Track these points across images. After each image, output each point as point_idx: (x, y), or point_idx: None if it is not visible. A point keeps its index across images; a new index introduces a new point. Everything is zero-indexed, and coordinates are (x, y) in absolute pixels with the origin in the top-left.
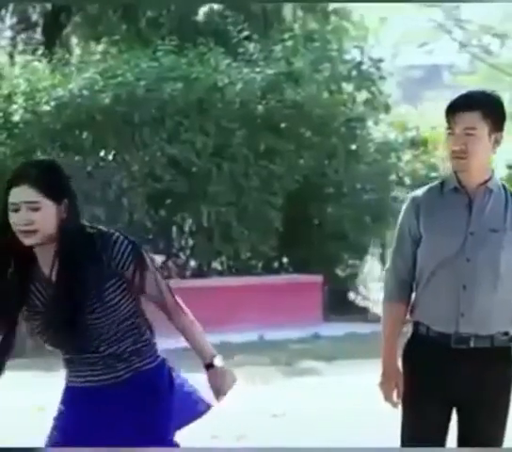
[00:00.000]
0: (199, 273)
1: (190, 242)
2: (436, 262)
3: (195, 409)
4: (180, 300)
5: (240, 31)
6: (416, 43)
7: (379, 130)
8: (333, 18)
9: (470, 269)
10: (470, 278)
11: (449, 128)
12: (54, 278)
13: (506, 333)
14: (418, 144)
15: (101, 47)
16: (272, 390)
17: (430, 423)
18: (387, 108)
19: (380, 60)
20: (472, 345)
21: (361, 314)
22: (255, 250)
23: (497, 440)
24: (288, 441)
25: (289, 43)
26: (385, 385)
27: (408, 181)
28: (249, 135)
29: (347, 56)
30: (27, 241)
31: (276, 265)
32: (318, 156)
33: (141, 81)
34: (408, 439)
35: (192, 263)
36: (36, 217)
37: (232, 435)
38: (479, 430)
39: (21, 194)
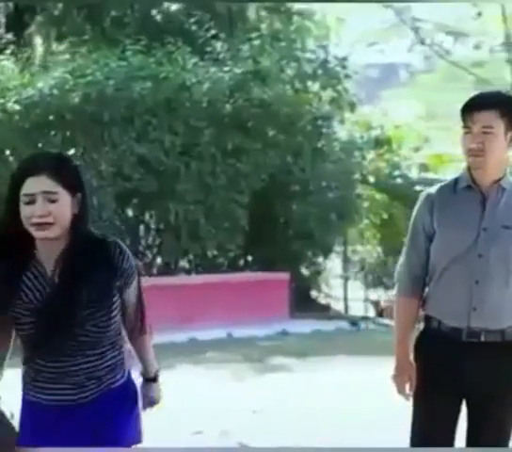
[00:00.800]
0: (166, 271)
1: (157, 240)
2: (449, 257)
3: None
4: (146, 316)
5: (207, 30)
6: (372, 43)
7: (344, 129)
8: (296, 18)
9: (482, 265)
10: (482, 273)
11: (466, 127)
12: (56, 277)
13: None
14: (382, 143)
15: (68, 47)
16: (247, 386)
17: (441, 415)
18: (352, 107)
19: (345, 59)
20: (482, 339)
21: (324, 311)
22: (222, 248)
23: (506, 432)
24: (271, 436)
25: (256, 43)
26: (398, 378)
27: (371, 179)
28: (217, 134)
29: (312, 56)
30: (41, 234)
31: (242, 263)
32: (284, 155)
33: (110, 80)
34: (418, 431)
35: (159, 261)
36: (53, 208)
37: (214, 431)
38: (488, 423)
39: (39, 184)
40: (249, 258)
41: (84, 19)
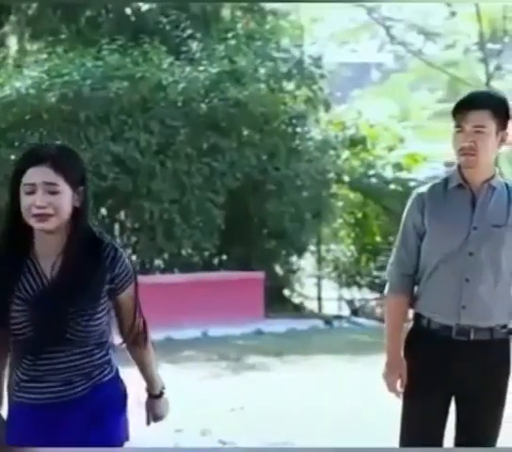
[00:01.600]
0: (141, 270)
1: (132, 239)
2: (439, 256)
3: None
4: (148, 330)
5: (183, 30)
6: (344, 42)
7: (319, 128)
8: (270, 18)
9: (472, 263)
10: (472, 271)
11: (458, 126)
12: (53, 273)
13: (505, 326)
14: (356, 142)
15: (43, 46)
16: (225, 385)
17: (430, 412)
18: (327, 106)
19: (320, 58)
20: (472, 337)
21: (297, 310)
22: (197, 247)
23: (494, 429)
24: (251, 434)
25: (231, 42)
26: (389, 375)
27: (346, 178)
28: (193, 133)
29: (287, 55)
30: (40, 225)
31: (217, 262)
32: (260, 154)
33: (87, 80)
34: (408, 428)
35: (134, 260)
36: (53, 200)
37: (195, 429)
38: (477, 420)
39: (40, 174)
40: (224, 257)
41: (59, 19)
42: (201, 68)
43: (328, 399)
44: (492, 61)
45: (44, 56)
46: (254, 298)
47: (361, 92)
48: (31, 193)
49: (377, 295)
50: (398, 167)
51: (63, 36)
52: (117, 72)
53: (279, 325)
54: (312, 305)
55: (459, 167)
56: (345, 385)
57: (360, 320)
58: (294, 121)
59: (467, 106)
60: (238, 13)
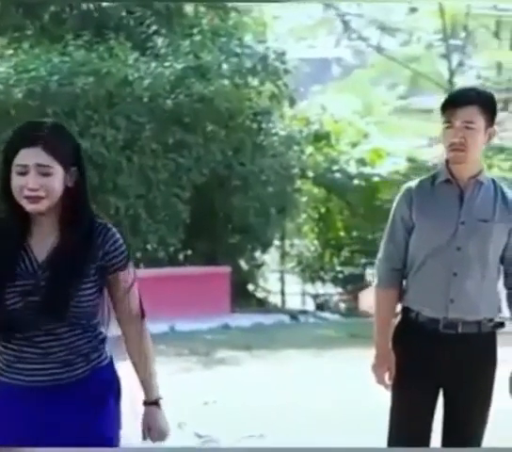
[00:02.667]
0: None
1: None
2: (428, 250)
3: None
4: (146, 323)
5: (148, 26)
6: (304, 38)
7: (283, 123)
8: (233, 14)
9: (460, 258)
10: (460, 266)
11: (447, 122)
12: (48, 250)
13: (491, 320)
14: (320, 138)
15: (8, 42)
16: (196, 379)
17: (418, 404)
18: (292, 102)
19: (284, 54)
20: (459, 330)
21: (261, 305)
22: (163, 242)
23: (481, 421)
24: (225, 428)
25: (196, 38)
26: (378, 368)
27: (310, 174)
28: (158, 128)
29: (250, 51)
30: (32, 207)
31: (182, 257)
32: (225, 150)
33: (54, 76)
34: (396, 420)
35: None
36: (45, 182)
37: (171, 423)
38: (464, 412)
39: (33, 156)
40: (189, 252)
41: (22, 15)
42: (167, 63)
43: (300, 393)
44: (455, 57)
45: (10, 51)
46: (220, 292)
47: (322, 88)
48: (23, 174)
49: (341, 290)
50: (362, 162)
51: (28, 32)
52: (83, 68)
53: (245, 319)
54: (275, 300)
55: (447, 162)
56: (315, 379)
57: (325, 315)
58: (258, 116)
59: (456, 103)
60: (202, 9)
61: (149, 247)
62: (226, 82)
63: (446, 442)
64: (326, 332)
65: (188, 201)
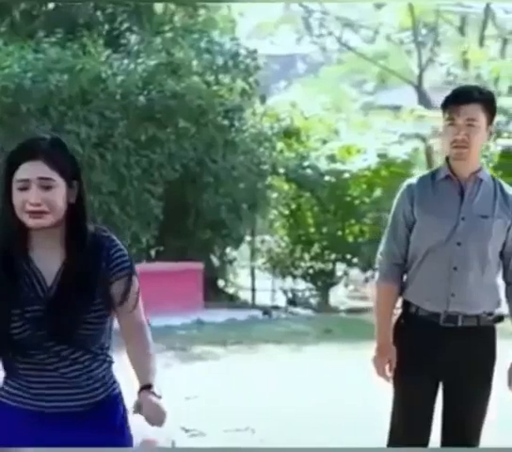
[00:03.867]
0: None
1: None
2: (429, 245)
3: None
4: (145, 320)
5: (121, 23)
6: (269, 35)
7: (253, 120)
8: (202, 11)
9: (460, 253)
10: (460, 261)
11: (450, 119)
12: (55, 271)
13: (491, 314)
14: (291, 134)
15: None
16: (176, 374)
17: (419, 396)
18: (263, 99)
19: (255, 51)
20: (459, 323)
21: (231, 300)
22: (135, 238)
23: (480, 413)
24: (209, 422)
25: (168, 35)
26: (378, 360)
27: (281, 170)
28: (131, 125)
29: (221, 48)
30: (35, 222)
31: (154, 252)
32: (197, 146)
33: (28, 73)
34: (397, 412)
35: None
36: (48, 196)
37: None
38: (463, 404)
39: (34, 170)
40: (162, 248)
41: None
42: (140, 60)
43: (282, 388)
44: (424, 54)
45: None
46: (194, 288)
47: (290, 84)
48: (24, 189)
49: (311, 285)
50: (332, 158)
51: (2, 29)
52: (57, 65)
53: (218, 315)
54: (245, 295)
55: (447, 159)
56: (295, 374)
57: (297, 310)
58: (230, 113)
59: (459, 100)
60: (171, 7)
61: (123, 242)
62: (197, 79)
63: (446, 434)
64: (300, 328)
65: (161, 198)
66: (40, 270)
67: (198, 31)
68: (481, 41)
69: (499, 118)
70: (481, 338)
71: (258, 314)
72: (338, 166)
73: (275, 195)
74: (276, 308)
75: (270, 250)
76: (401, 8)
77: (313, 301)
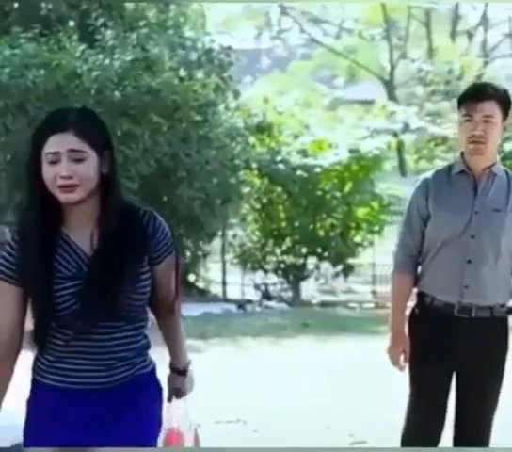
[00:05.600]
0: None
1: None
2: (443, 238)
3: None
4: (180, 299)
5: (96, 19)
6: (235, 29)
7: (227, 115)
8: (173, 6)
9: (474, 246)
10: (474, 253)
11: (467, 115)
12: (91, 244)
13: (503, 305)
14: (263, 129)
15: None
16: (158, 367)
17: (433, 386)
18: (236, 94)
19: (230, 47)
20: (473, 314)
21: (202, 295)
22: None
23: (492, 402)
24: (203, 414)
25: (143, 31)
26: (393, 350)
27: (254, 165)
28: (106, 120)
29: (195, 44)
30: (67, 197)
31: None
32: (172, 141)
33: (5, 68)
34: (413, 399)
35: None
36: (79, 169)
37: None
38: (476, 394)
39: (64, 142)
40: None
41: None
42: (115, 56)
43: (265, 380)
44: (395, 49)
45: None
46: None
47: (256, 79)
48: (55, 162)
49: (283, 279)
50: (303, 153)
51: None
52: (34, 61)
53: (192, 309)
54: (216, 290)
55: (462, 153)
56: (277, 366)
57: (271, 304)
58: (203, 108)
59: (477, 97)
60: (143, 3)
61: None
62: (172, 74)
63: (459, 424)
64: (277, 321)
65: (136, 192)
66: (77, 244)
67: (172, 26)
68: (452, 37)
69: None
70: (494, 329)
71: (232, 307)
72: (309, 160)
73: (247, 189)
74: (249, 302)
75: (242, 245)
76: (377, 4)
77: (285, 295)
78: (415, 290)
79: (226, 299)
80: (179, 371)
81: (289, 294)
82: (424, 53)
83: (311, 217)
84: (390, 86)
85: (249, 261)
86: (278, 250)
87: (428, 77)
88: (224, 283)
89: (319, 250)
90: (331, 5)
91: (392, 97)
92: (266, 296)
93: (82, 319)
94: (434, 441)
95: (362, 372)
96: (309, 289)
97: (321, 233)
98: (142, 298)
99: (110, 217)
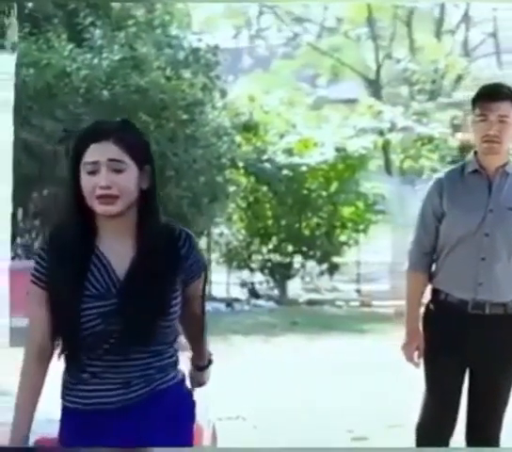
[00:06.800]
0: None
1: (36, 223)
2: (457, 236)
3: None
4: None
5: (84, 18)
6: (217, 28)
7: (213, 114)
8: (159, 5)
9: (488, 243)
10: (488, 251)
11: (481, 115)
12: (125, 263)
13: None
14: (250, 128)
15: None
16: None
17: (447, 380)
18: (223, 93)
19: (217, 47)
20: (487, 311)
21: None
22: None
23: (504, 397)
24: (200, 410)
25: (132, 30)
26: (407, 347)
27: (240, 163)
28: (95, 119)
29: (181, 43)
30: (105, 209)
31: None
32: (159, 140)
33: None
34: (428, 393)
35: (36, 245)
36: (119, 179)
37: None
38: (488, 389)
39: (104, 151)
40: None
41: None
42: (104, 55)
43: (260, 378)
44: (381, 48)
45: None
46: None
47: (237, 78)
48: (94, 173)
49: (269, 278)
50: (289, 152)
51: None
52: (23, 59)
53: None
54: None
55: (475, 153)
56: (268, 364)
57: (259, 302)
58: (191, 107)
59: (491, 97)
60: (130, 3)
61: None
62: (160, 73)
63: (471, 418)
64: (266, 319)
65: None
66: (109, 263)
67: (159, 25)
68: (438, 36)
69: (455, 112)
70: (508, 325)
71: (220, 306)
72: (295, 159)
73: (233, 188)
74: (236, 300)
75: (228, 243)
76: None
77: (274, 294)
78: (429, 287)
79: (212, 298)
80: (201, 367)
81: (275, 292)
82: (409, 52)
83: (296, 215)
84: (376, 85)
85: (235, 259)
86: (264, 249)
87: (414, 77)
88: (210, 282)
89: (305, 248)
90: (314, 4)
91: (377, 96)
92: (254, 294)
93: (104, 342)
94: (447, 435)
95: (354, 370)
96: (293, 288)
97: (307, 231)
98: (171, 324)
99: (148, 237)
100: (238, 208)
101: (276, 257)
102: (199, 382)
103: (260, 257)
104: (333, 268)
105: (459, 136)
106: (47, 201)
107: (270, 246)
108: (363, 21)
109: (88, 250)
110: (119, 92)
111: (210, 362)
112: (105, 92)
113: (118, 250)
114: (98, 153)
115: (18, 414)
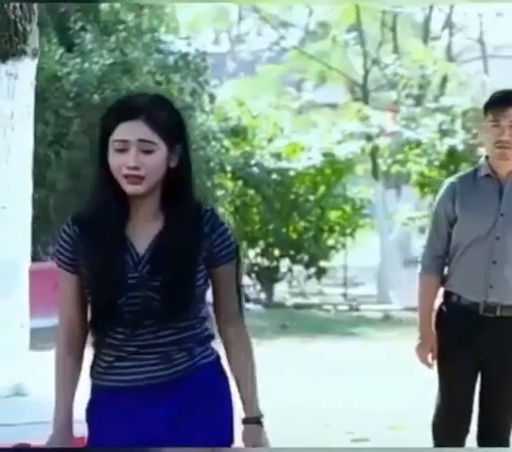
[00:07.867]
0: (33, 257)
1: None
2: (469, 239)
3: None
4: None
5: (75, 22)
6: (200, 33)
7: (202, 118)
8: (146, 10)
9: (499, 247)
10: (499, 254)
11: (494, 120)
12: (149, 240)
13: None
14: (238, 132)
15: None
16: None
17: (459, 382)
18: (212, 98)
19: (205, 52)
20: (498, 313)
21: None
22: None
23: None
24: None
25: (122, 34)
26: (421, 349)
27: (228, 168)
28: (86, 123)
29: (170, 48)
30: (133, 189)
31: None
32: None
33: None
34: (441, 394)
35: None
36: (147, 160)
37: None
38: (500, 390)
39: (134, 130)
40: None
41: None
42: (94, 59)
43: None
44: (369, 54)
45: None
46: None
47: (222, 83)
48: (122, 151)
49: (256, 281)
50: (277, 157)
51: None
52: None
53: None
54: None
55: (487, 157)
56: (262, 367)
57: (248, 306)
58: (181, 112)
59: (504, 103)
60: (116, 5)
61: None
62: (149, 78)
63: (482, 419)
64: (256, 323)
65: None
66: (133, 238)
67: (148, 30)
68: (425, 41)
69: (443, 117)
70: None
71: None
72: (283, 164)
73: (221, 192)
74: None
75: None
76: (351, 7)
77: (261, 297)
78: (442, 289)
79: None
80: (252, 420)
81: (262, 296)
82: (396, 57)
83: (284, 220)
84: (363, 90)
85: None
86: (251, 253)
87: (402, 82)
88: None
89: (292, 252)
90: (298, 8)
91: (365, 101)
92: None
93: (140, 317)
94: (461, 436)
95: (347, 372)
96: (280, 292)
97: (294, 235)
98: (198, 296)
99: (173, 213)
100: (226, 212)
101: (263, 261)
102: (253, 442)
103: (247, 261)
104: (321, 272)
105: (447, 140)
106: (38, 205)
107: (257, 250)
108: (350, 25)
109: (121, 230)
110: (109, 96)
111: (260, 416)
112: (96, 96)
113: (143, 227)
114: (128, 131)
115: (56, 403)
